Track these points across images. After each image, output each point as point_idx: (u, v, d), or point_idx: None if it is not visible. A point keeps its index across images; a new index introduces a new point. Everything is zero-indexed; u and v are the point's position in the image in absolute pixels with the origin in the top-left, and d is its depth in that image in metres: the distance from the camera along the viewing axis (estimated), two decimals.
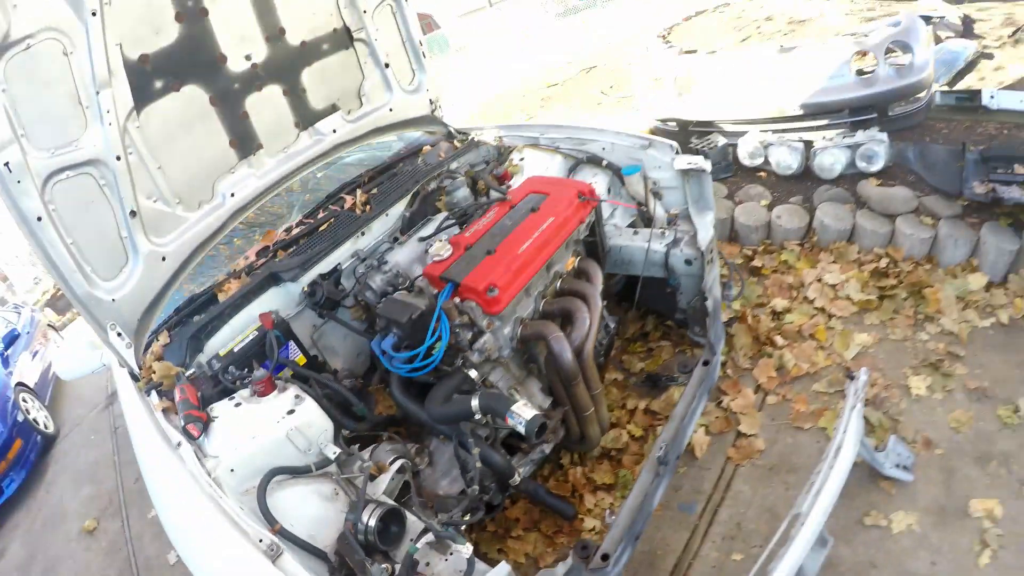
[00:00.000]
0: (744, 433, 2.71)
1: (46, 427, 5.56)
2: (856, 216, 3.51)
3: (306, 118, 2.65)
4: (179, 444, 1.67)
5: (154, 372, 1.95)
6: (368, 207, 2.59)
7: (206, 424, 1.69)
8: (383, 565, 1.43)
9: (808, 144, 3.79)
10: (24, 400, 5.53)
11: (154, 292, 2.11)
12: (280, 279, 2.27)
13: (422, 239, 2.43)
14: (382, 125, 2.94)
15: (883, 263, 3.31)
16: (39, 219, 1.74)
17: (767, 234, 3.79)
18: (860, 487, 2.32)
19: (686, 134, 4.43)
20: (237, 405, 1.78)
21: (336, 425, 1.87)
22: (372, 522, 1.48)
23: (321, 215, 2.62)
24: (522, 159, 2.95)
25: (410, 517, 1.66)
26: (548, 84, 8.11)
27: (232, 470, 1.62)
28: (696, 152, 4.31)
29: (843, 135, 3.67)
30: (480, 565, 1.54)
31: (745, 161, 4.11)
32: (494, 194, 2.49)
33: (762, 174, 4.08)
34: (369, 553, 1.48)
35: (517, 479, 2.02)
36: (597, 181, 2.74)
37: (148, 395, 1.93)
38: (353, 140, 2.85)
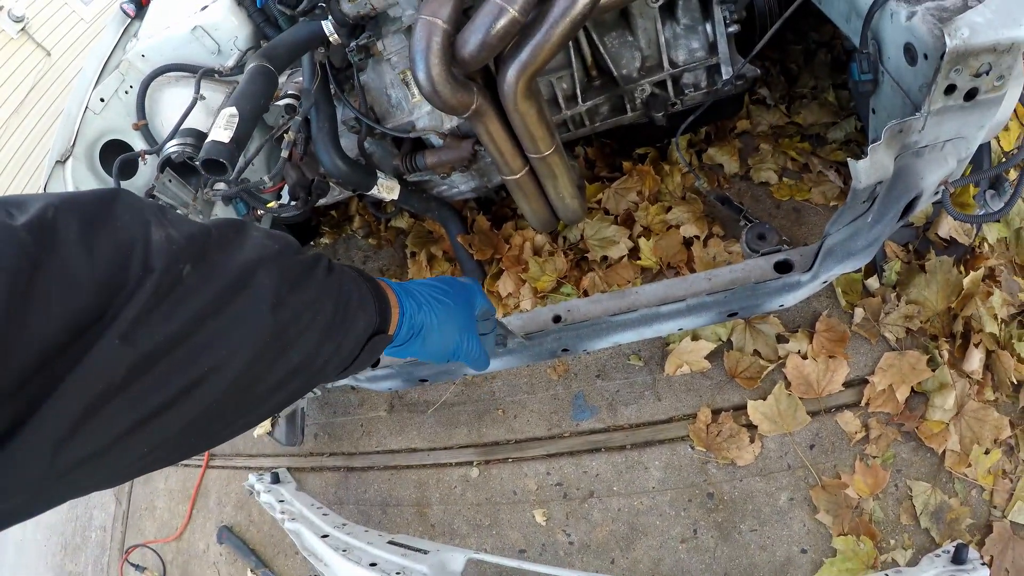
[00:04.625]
0: (743, 409, 1.65)
1: None
2: None
3: None
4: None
5: None
6: None
7: (142, 6, 1.70)
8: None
9: None
10: None
11: None
12: None
13: None
14: None
15: None
16: None
17: None
18: None
19: None
20: None
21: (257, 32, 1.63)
22: (221, 137, 1.35)
23: None
24: None
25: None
26: None
27: (143, 56, 1.64)
28: None
29: None
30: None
31: None
32: None
33: None
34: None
35: (378, 193, 1.66)
36: None
37: None
38: None
